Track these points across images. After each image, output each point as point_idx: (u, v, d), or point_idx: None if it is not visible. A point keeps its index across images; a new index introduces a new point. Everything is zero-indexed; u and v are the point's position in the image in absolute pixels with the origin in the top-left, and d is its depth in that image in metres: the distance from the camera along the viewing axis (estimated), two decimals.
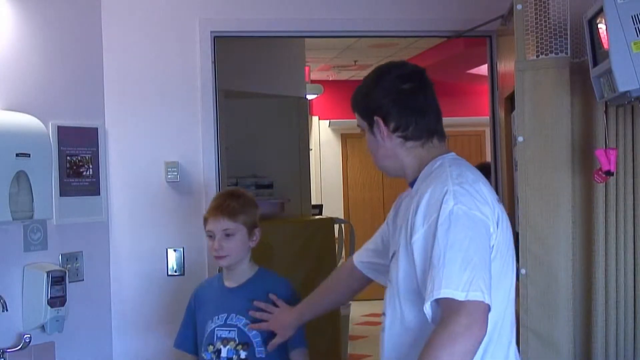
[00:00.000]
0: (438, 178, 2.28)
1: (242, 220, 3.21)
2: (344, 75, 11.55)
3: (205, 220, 3.26)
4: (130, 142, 4.34)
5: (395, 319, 2.39)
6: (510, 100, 3.89)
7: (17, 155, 3.35)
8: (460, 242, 2.14)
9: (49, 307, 3.60)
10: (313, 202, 7.68)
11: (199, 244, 4.32)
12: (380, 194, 11.96)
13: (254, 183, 6.57)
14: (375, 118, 2.38)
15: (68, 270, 3.79)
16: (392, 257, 2.48)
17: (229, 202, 3.22)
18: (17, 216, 3.36)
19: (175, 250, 4.34)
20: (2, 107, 3.61)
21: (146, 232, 4.33)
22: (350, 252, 7.24)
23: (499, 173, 4.61)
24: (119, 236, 4.29)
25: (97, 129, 4.19)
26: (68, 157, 3.98)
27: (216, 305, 3.27)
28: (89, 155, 4.11)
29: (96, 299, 4.17)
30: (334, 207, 10.83)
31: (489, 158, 4.93)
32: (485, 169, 9.05)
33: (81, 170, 4.05)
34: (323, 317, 6.24)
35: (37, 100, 3.81)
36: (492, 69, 4.69)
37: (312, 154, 9.27)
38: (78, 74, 4.15)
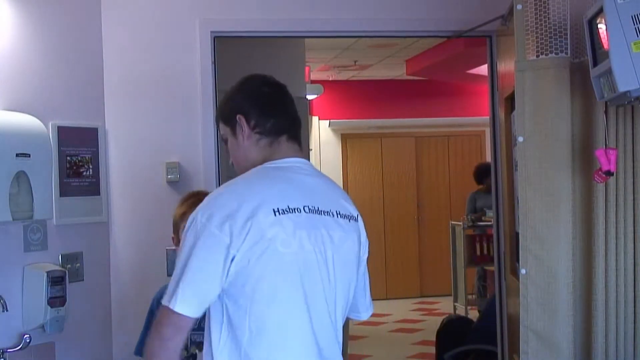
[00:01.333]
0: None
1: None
2: (344, 76, 11.55)
3: (177, 226, 3.12)
4: (130, 143, 4.34)
5: None
6: (510, 101, 3.89)
7: (17, 155, 3.35)
8: (186, 251, 2.20)
9: (49, 307, 3.59)
10: None
11: None
12: (381, 193, 11.96)
13: None
14: (238, 116, 2.45)
15: (68, 271, 3.79)
16: None
17: (185, 210, 3.05)
18: (17, 216, 3.37)
19: (175, 251, 4.33)
20: (2, 107, 3.61)
21: (146, 232, 4.33)
22: None
23: (499, 173, 4.61)
24: (119, 236, 4.29)
25: (97, 129, 4.19)
26: (68, 158, 3.98)
27: None
28: (89, 156, 4.11)
29: (96, 299, 4.17)
30: None
31: (489, 158, 4.92)
32: (484, 170, 9.05)
33: (81, 170, 4.05)
34: None
35: (37, 100, 3.81)
36: (492, 69, 4.69)
37: (312, 154, 9.28)
38: (78, 74, 4.15)
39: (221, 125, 2.53)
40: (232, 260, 2.18)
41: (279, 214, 2.25)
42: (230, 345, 2.23)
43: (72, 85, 4.08)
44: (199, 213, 2.23)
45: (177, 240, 3.10)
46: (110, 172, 4.27)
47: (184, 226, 2.30)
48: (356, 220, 2.50)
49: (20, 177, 3.39)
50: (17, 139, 3.40)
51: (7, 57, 3.69)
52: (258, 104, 2.46)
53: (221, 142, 4.52)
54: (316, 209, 2.34)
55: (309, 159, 7.57)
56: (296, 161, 2.43)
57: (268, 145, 2.43)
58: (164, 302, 2.18)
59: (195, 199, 2.95)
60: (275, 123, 2.44)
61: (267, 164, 2.39)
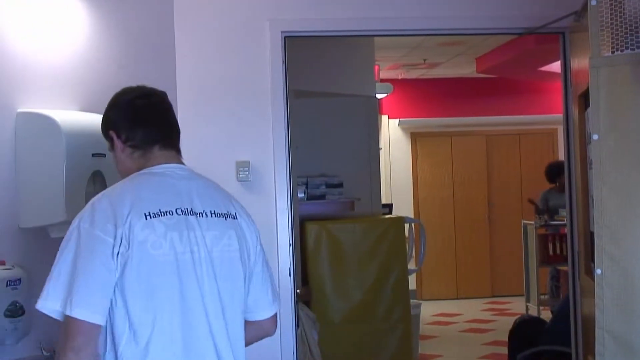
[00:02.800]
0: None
1: None
2: (414, 74, 11.50)
3: None
4: (202, 142, 4.39)
5: None
6: (585, 98, 3.82)
7: (93, 155, 3.41)
8: (72, 257, 2.25)
9: None
10: (383, 201, 7.67)
11: (271, 242, 4.36)
12: (451, 192, 11.88)
13: (323, 182, 6.58)
14: (110, 132, 2.55)
15: None
16: None
17: None
18: None
19: None
20: (78, 109, 3.69)
21: None
22: (421, 251, 7.22)
23: (572, 172, 4.54)
24: None
25: None
26: None
27: None
28: None
29: None
30: (403, 206, 10.79)
31: (562, 156, 4.86)
32: (557, 168, 8.93)
33: None
34: (394, 317, 6.30)
35: None
36: (565, 65, 4.63)
37: (381, 153, 9.26)
38: (151, 75, 4.21)
39: (106, 143, 2.63)
40: (117, 260, 2.26)
41: (150, 217, 2.33)
42: (110, 348, 2.28)
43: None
44: (81, 220, 2.30)
45: None
46: None
47: None
48: (235, 217, 2.53)
49: (97, 177, 3.45)
50: (93, 140, 3.44)
51: (82, 60, 3.77)
52: (127, 118, 2.55)
53: (291, 142, 4.59)
54: (189, 210, 2.41)
55: (378, 158, 7.56)
56: (169, 166, 2.51)
57: (141, 156, 2.52)
58: (56, 309, 2.22)
59: None
60: (145, 134, 2.52)
61: (141, 171, 2.48)
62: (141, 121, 2.54)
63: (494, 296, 11.63)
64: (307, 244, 5.96)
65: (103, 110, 3.68)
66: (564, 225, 5.24)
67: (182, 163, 2.59)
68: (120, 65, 3.98)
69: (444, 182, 11.91)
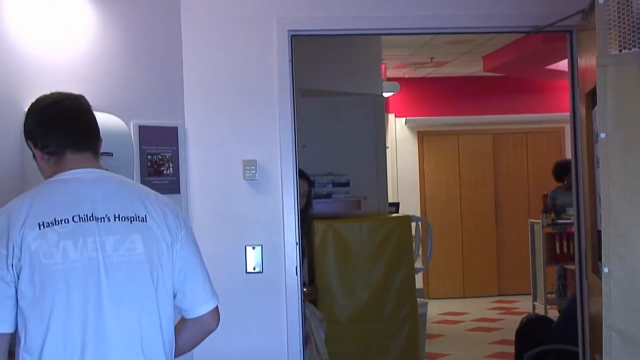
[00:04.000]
0: None
1: None
2: (421, 73, 11.49)
3: None
4: (209, 141, 4.39)
5: None
6: (592, 96, 3.82)
7: (100, 154, 3.41)
8: None
9: None
10: (390, 200, 7.66)
11: (278, 241, 4.36)
12: (457, 191, 11.87)
13: (330, 181, 6.58)
14: (27, 142, 2.59)
15: None
16: None
17: None
18: None
19: (253, 248, 4.38)
20: None
21: (225, 230, 4.38)
22: (428, 249, 7.22)
23: (579, 170, 4.53)
24: (198, 234, 4.26)
25: (177, 128, 4.25)
26: (149, 156, 4.05)
27: None
28: (169, 154, 4.17)
29: None
30: (410, 205, 10.79)
31: (568, 155, 4.85)
32: (564, 167, 8.90)
33: (162, 169, 4.12)
34: (401, 315, 6.30)
35: (119, 100, 3.89)
36: (572, 64, 4.62)
37: (388, 151, 9.26)
38: (158, 74, 4.22)
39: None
40: (13, 271, 2.31)
41: (44, 227, 2.35)
42: (18, 353, 2.35)
43: (152, 85, 4.15)
44: None
45: None
46: (190, 171, 4.33)
47: None
48: (144, 220, 2.49)
49: None
50: None
51: (89, 58, 3.78)
52: (39, 126, 2.56)
53: (298, 141, 4.60)
54: (89, 216, 2.41)
55: (385, 157, 7.54)
56: (78, 172, 2.51)
57: (56, 162, 2.53)
58: None
59: None
60: (57, 140, 2.53)
61: (47, 180, 2.52)
62: (53, 127, 2.55)
63: (500, 295, 11.62)
64: (313, 243, 5.97)
65: (111, 110, 3.71)
66: (571, 224, 5.23)
67: (96, 166, 2.58)
68: (127, 64, 3.99)
69: (450, 181, 11.90)
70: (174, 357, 2.55)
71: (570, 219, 8.38)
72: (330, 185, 6.56)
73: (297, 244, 4.44)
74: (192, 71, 4.39)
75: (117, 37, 3.95)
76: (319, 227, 6.00)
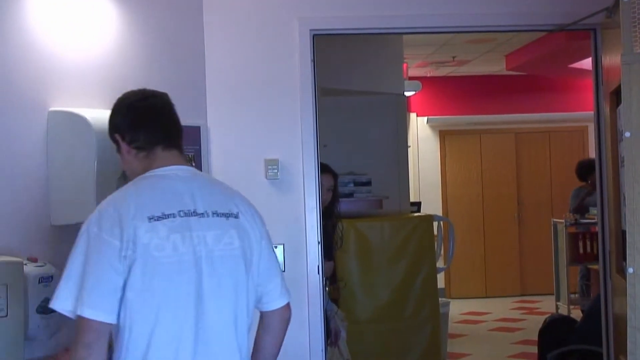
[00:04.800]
0: None
1: None
2: (442, 72, 11.46)
3: None
4: (232, 140, 4.40)
5: None
6: (616, 95, 3.79)
7: None
8: (81, 260, 2.36)
9: None
10: (411, 199, 7.65)
11: (300, 240, 4.36)
12: (480, 190, 11.83)
13: (352, 180, 6.58)
14: (115, 136, 2.66)
15: None
16: None
17: None
18: None
19: (275, 247, 4.37)
20: (108, 107, 3.69)
21: None
22: (450, 249, 7.19)
23: (603, 170, 4.50)
24: None
25: (199, 127, 4.26)
26: None
27: None
28: (192, 153, 4.18)
29: None
30: (432, 204, 10.76)
31: (592, 154, 4.82)
32: (588, 166, 8.85)
33: None
34: (423, 315, 6.28)
35: None
36: (596, 62, 4.59)
37: (410, 150, 9.25)
38: (181, 74, 4.23)
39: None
40: (125, 263, 2.37)
41: (154, 220, 2.42)
42: (119, 343, 2.39)
43: (174, 84, 4.16)
44: (89, 224, 2.41)
45: None
46: (212, 170, 4.34)
47: None
48: (236, 217, 2.60)
49: (126, 175, 3.46)
50: None
51: (113, 58, 3.80)
52: (129, 121, 2.63)
53: (320, 140, 4.60)
54: (192, 211, 2.50)
55: (407, 156, 7.53)
56: (172, 169, 2.58)
57: (145, 157, 2.61)
58: (68, 309, 2.34)
59: None
60: (147, 136, 2.60)
61: (147, 174, 2.57)
62: (142, 123, 2.63)
63: (523, 295, 11.57)
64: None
65: None
66: (594, 223, 5.20)
67: (185, 163, 2.68)
68: (149, 64, 4.01)
69: (472, 180, 11.86)
70: None
71: (594, 219, 8.34)
72: (351, 185, 6.56)
73: (318, 242, 4.44)
74: (214, 71, 4.40)
75: (140, 37, 3.96)
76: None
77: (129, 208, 2.42)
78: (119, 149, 2.67)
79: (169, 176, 2.56)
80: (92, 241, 2.38)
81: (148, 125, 2.63)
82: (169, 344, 2.41)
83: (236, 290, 2.54)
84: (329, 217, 4.82)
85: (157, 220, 2.43)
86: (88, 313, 2.32)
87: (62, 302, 2.35)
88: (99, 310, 2.33)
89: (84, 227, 2.42)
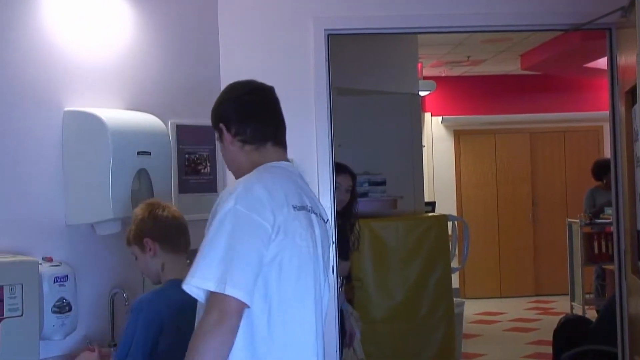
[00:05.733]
0: (237, 183, 2.44)
1: (130, 241, 3.13)
2: (457, 71, 11.44)
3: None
4: None
5: None
6: (632, 94, 3.78)
7: (138, 153, 3.45)
8: (227, 238, 2.27)
9: None
10: (426, 199, 7.64)
11: None
12: (494, 190, 11.80)
13: (366, 180, 6.57)
14: (220, 125, 2.61)
15: (187, 265, 3.86)
16: None
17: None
18: None
19: None
20: (124, 107, 3.73)
21: None
22: (464, 249, 7.18)
23: (619, 169, 4.48)
24: None
25: None
26: (187, 155, 4.08)
27: None
28: (207, 153, 4.19)
29: None
30: (446, 204, 10.73)
31: (607, 154, 4.80)
32: (603, 166, 8.81)
33: (199, 167, 4.14)
34: (437, 315, 6.28)
35: (157, 100, 3.92)
36: (611, 62, 4.57)
37: (424, 150, 9.23)
38: (196, 73, 4.24)
39: (213, 130, 2.69)
40: (270, 248, 2.32)
41: (296, 209, 2.43)
42: (247, 328, 2.31)
43: (190, 84, 4.17)
44: (237, 202, 2.31)
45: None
46: (227, 170, 4.33)
47: None
48: (325, 222, 2.65)
49: (142, 175, 3.49)
50: (139, 138, 3.50)
51: (128, 58, 3.81)
52: (236, 113, 2.60)
53: (334, 140, 4.59)
54: (309, 208, 2.52)
55: (421, 156, 7.53)
56: (283, 164, 2.57)
57: (254, 150, 2.57)
58: (210, 287, 2.23)
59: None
60: (254, 130, 2.57)
61: (271, 164, 2.53)
62: (250, 117, 2.59)
63: (538, 295, 11.53)
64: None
65: (149, 109, 3.74)
66: (609, 223, 5.18)
67: (289, 160, 2.67)
68: (165, 64, 4.02)
69: (487, 180, 11.83)
70: None
71: (609, 219, 8.30)
72: (366, 184, 6.55)
73: (333, 242, 4.44)
74: (229, 70, 4.40)
75: (155, 37, 3.97)
76: None
77: (279, 193, 2.39)
78: (220, 138, 2.63)
79: (289, 171, 2.57)
80: (241, 220, 2.29)
81: (257, 119, 2.59)
82: (303, 333, 2.43)
83: (325, 288, 2.59)
84: (348, 217, 4.81)
85: (298, 210, 2.44)
86: (235, 293, 2.22)
87: (202, 281, 2.25)
88: (245, 292, 2.24)
89: (228, 204, 2.32)
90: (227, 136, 2.59)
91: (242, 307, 2.25)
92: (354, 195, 4.92)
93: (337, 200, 4.72)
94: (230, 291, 2.21)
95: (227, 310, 2.22)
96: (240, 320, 2.25)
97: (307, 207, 2.50)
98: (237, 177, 2.60)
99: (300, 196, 2.49)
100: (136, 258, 3.14)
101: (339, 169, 4.73)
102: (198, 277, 2.25)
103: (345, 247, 4.73)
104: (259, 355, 2.33)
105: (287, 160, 2.62)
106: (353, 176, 4.91)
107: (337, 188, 4.69)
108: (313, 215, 2.52)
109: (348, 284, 5.16)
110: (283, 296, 2.36)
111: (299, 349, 2.43)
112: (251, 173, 2.46)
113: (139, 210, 3.15)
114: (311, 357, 2.48)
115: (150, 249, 3.08)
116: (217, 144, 2.67)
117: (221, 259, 2.25)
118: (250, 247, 2.28)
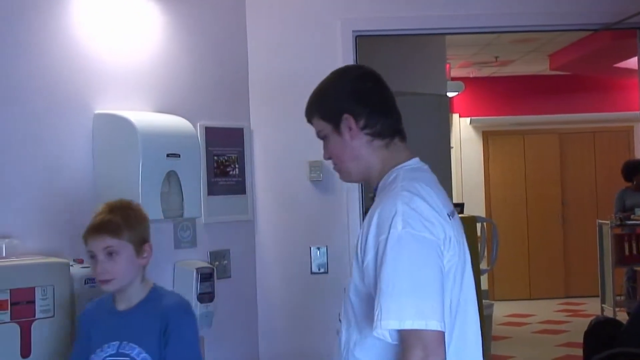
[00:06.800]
0: (388, 195, 2.18)
1: (127, 237, 2.74)
2: (485, 72, 11.39)
3: (85, 240, 2.77)
4: (275, 142, 4.41)
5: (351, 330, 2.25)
6: None
7: (168, 155, 3.46)
8: (408, 267, 2.03)
9: (198, 303, 3.70)
10: (454, 201, 7.60)
11: (343, 242, 4.37)
12: (523, 192, 11.72)
13: None
14: (345, 116, 2.29)
15: (216, 268, 3.89)
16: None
17: (110, 218, 2.76)
18: (168, 215, 3.48)
19: (318, 249, 4.39)
20: (153, 109, 3.75)
21: (290, 230, 4.40)
22: (493, 250, 7.15)
23: None
24: (264, 234, 4.37)
25: (242, 129, 4.28)
26: (215, 157, 4.09)
27: (106, 331, 2.77)
28: (235, 155, 4.21)
29: (243, 296, 4.26)
30: (475, 206, 10.68)
31: (638, 154, 4.75)
32: (634, 167, 8.72)
33: (228, 169, 4.15)
34: None
35: (186, 102, 3.93)
36: None
37: (453, 152, 9.19)
38: (224, 76, 4.26)
39: (318, 122, 2.39)
40: (443, 263, 2.11)
41: (450, 217, 2.20)
42: None
43: (218, 86, 4.19)
44: (405, 225, 2.06)
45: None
46: (256, 171, 4.36)
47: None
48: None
49: (171, 177, 3.50)
50: (168, 140, 3.51)
51: (157, 62, 3.84)
52: (366, 103, 2.30)
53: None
54: (452, 211, 2.27)
55: (450, 157, 7.52)
56: (418, 162, 2.33)
57: (384, 147, 2.30)
58: (408, 326, 1.99)
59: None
60: (384, 123, 2.30)
61: (411, 167, 2.29)
62: (380, 108, 2.32)
63: (567, 297, 11.44)
64: None
65: (178, 111, 3.76)
66: None
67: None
68: (194, 66, 4.04)
69: (516, 181, 11.76)
70: None
71: (639, 220, 8.22)
72: None
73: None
74: (257, 73, 4.41)
75: (184, 39, 3.99)
76: None
77: (436, 203, 2.15)
78: (336, 131, 2.31)
79: (430, 172, 2.31)
80: (416, 244, 2.05)
81: (384, 110, 2.32)
82: (473, 335, 2.25)
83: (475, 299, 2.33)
84: None
85: (451, 216, 2.21)
86: (436, 325, 2.00)
87: (401, 321, 1.99)
88: (441, 320, 2.01)
89: (394, 230, 2.06)
90: (353, 128, 2.28)
91: (442, 336, 2.02)
92: None
93: None
94: (431, 325, 1.99)
95: (430, 344, 1.99)
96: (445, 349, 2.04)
97: (453, 211, 2.26)
98: (358, 179, 2.39)
99: (447, 200, 2.24)
100: (114, 255, 2.73)
101: None
102: (394, 319, 2.00)
103: None
104: None
105: (416, 157, 2.34)
106: None
107: None
108: (456, 217, 2.27)
109: None
110: (454, 308, 2.17)
111: None
112: (397, 184, 2.19)
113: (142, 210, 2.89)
114: None
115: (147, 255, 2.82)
116: (340, 137, 2.31)
117: (410, 292, 2.01)
118: (433, 271, 2.05)
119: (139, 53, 3.77)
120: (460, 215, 7.29)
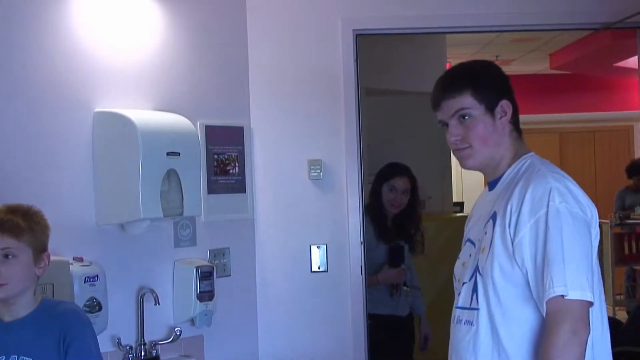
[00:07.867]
0: (535, 176, 2.29)
1: (28, 240, 2.57)
2: None
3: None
4: (275, 141, 4.41)
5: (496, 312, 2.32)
6: None
7: (167, 154, 3.45)
8: (571, 242, 2.16)
9: (198, 302, 3.70)
10: (454, 200, 7.60)
11: (343, 241, 4.37)
12: None
13: None
14: (505, 101, 2.38)
15: (215, 266, 3.88)
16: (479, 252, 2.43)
17: (11, 218, 2.57)
18: (168, 213, 3.47)
19: (318, 247, 4.38)
20: (153, 108, 3.75)
21: (290, 229, 4.39)
22: None
23: None
24: (264, 233, 4.37)
25: (242, 127, 4.28)
26: (215, 156, 4.09)
27: None
28: (235, 154, 4.20)
29: (242, 294, 4.25)
30: None
31: (638, 154, 4.75)
32: (636, 166, 8.71)
33: (228, 168, 4.15)
34: None
35: (186, 100, 3.93)
36: None
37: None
38: (224, 74, 4.25)
39: (467, 98, 2.40)
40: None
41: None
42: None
43: (218, 85, 4.19)
44: (559, 198, 2.21)
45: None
46: (256, 170, 4.35)
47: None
48: None
49: (171, 175, 3.49)
50: (168, 138, 3.51)
51: (157, 59, 3.83)
52: (510, 93, 2.43)
53: (363, 140, 4.58)
54: None
55: (450, 156, 7.50)
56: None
57: (517, 138, 2.42)
58: (582, 297, 2.13)
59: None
60: (515, 114, 2.42)
61: (538, 157, 2.40)
62: (514, 99, 2.44)
63: None
64: None
65: (178, 110, 3.75)
66: None
67: None
68: (194, 64, 4.03)
69: None
70: None
71: (639, 219, 8.22)
72: None
73: (361, 243, 4.43)
74: (257, 71, 4.41)
75: (184, 38, 3.99)
76: None
77: (577, 186, 2.30)
78: (490, 113, 2.37)
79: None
80: (570, 217, 2.19)
81: (515, 102, 2.43)
82: (604, 321, 2.36)
83: None
84: (409, 221, 4.80)
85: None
86: (587, 296, 2.15)
87: (584, 291, 2.14)
88: (591, 292, 2.16)
89: (552, 205, 2.20)
90: (507, 117, 2.38)
91: (588, 310, 2.16)
92: (413, 198, 4.86)
93: (390, 202, 4.72)
94: (588, 296, 2.14)
95: (581, 317, 2.14)
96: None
97: None
98: (481, 167, 2.46)
99: None
100: (11, 258, 2.56)
101: (397, 170, 4.73)
102: (579, 289, 2.13)
103: (398, 253, 4.71)
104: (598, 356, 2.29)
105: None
106: (412, 179, 4.85)
107: (391, 190, 4.70)
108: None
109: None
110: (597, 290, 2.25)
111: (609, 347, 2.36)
112: (538, 168, 2.33)
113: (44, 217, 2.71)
114: None
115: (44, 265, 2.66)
116: (492, 120, 2.37)
117: (571, 263, 2.14)
118: (588, 247, 2.21)
119: (140, 51, 3.76)
120: (460, 214, 7.33)
